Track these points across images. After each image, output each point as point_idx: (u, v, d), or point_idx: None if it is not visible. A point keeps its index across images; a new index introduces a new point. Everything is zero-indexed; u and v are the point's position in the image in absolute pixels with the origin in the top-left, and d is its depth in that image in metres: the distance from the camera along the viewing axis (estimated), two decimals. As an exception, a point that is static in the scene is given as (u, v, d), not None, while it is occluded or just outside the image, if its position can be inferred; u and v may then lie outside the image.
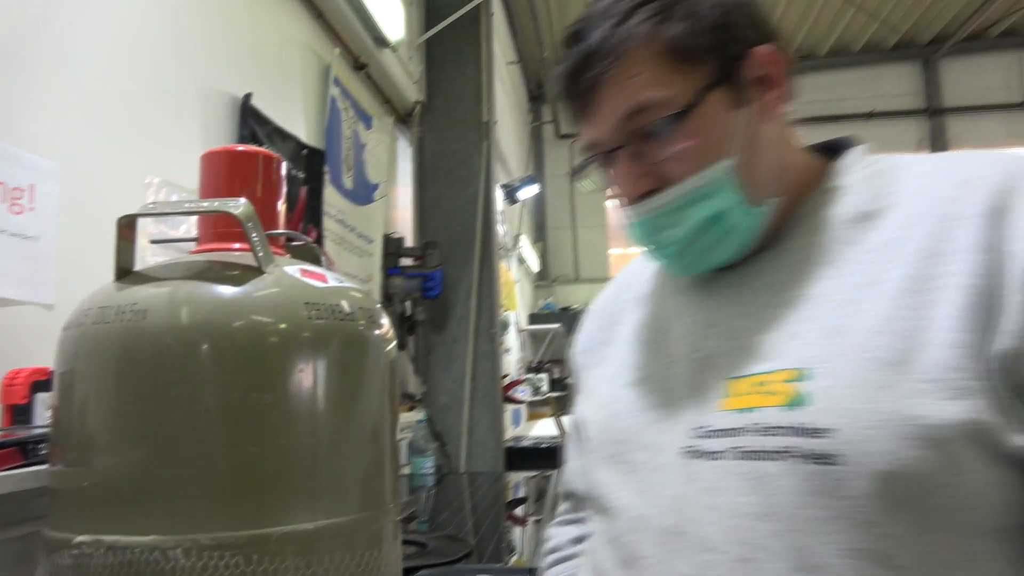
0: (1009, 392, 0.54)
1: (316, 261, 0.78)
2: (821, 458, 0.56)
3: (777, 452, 0.58)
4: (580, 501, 0.83)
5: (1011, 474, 0.55)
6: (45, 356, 1.03)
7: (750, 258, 0.70)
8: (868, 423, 0.55)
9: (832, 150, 0.74)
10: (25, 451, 0.73)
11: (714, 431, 0.62)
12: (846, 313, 0.59)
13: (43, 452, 0.75)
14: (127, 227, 0.68)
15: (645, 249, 0.72)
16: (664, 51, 0.65)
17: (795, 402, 0.58)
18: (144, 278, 0.66)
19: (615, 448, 0.72)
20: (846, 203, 0.66)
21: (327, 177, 2.27)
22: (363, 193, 2.63)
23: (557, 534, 0.88)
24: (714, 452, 0.62)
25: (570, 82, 0.69)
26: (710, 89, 0.65)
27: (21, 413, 0.95)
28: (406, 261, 2.96)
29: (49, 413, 0.95)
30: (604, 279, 7.57)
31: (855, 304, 0.59)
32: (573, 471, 0.84)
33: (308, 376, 0.64)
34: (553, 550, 0.86)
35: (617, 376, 0.76)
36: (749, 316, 0.66)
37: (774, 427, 0.59)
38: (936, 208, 0.60)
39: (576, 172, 0.76)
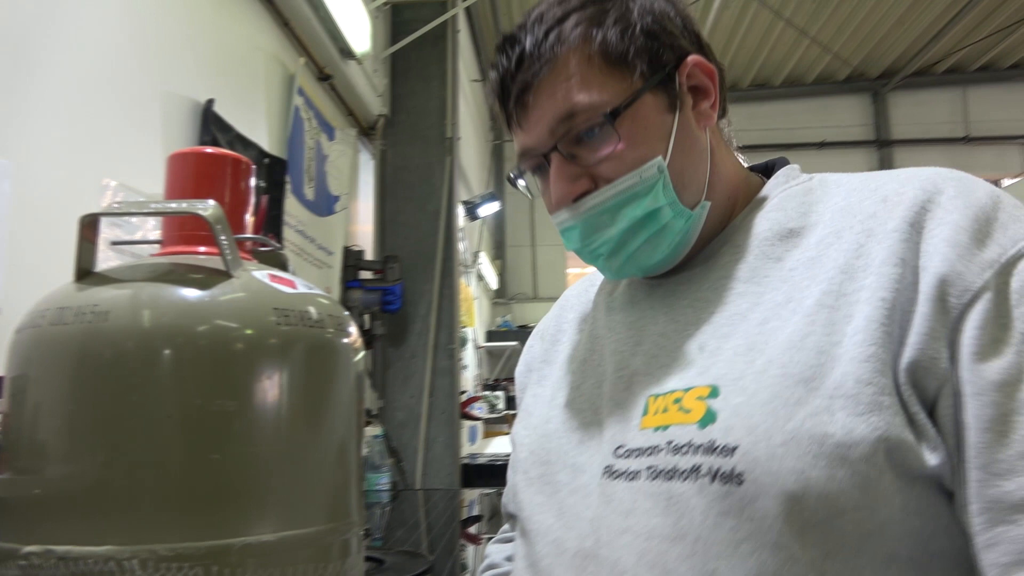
0: (919, 407, 0.53)
1: (283, 267, 0.77)
2: (728, 478, 0.54)
3: (687, 472, 0.57)
4: (515, 520, 0.83)
5: (928, 498, 0.53)
6: (-9, 361, 0.99)
7: (681, 273, 0.71)
8: (776, 441, 0.53)
9: (769, 170, 0.75)
10: (-31, 458, 0.70)
11: (631, 450, 0.62)
12: (764, 331, 0.59)
13: (-11, 459, 0.71)
14: (89, 227, 0.66)
15: (579, 252, 0.72)
16: (596, 55, 0.66)
17: (706, 419, 0.57)
18: (106, 279, 0.64)
19: (542, 469, 0.71)
20: (772, 220, 0.67)
21: (288, 187, 2.24)
22: (324, 204, 2.61)
23: (494, 551, 0.89)
24: (631, 472, 0.61)
25: (503, 87, 0.70)
26: (643, 92, 0.66)
27: (-37, 419, 0.90)
28: (366, 274, 2.93)
29: (-5, 420, 0.91)
30: (562, 298, 7.64)
31: (773, 322, 0.59)
32: (508, 491, 0.84)
33: (274, 384, 0.62)
34: (489, 567, 0.87)
35: (553, 396, 0.76)
36: (673, 334, 0.67)
37: (685, 445, 0.58)
38: (857, 225, 0.61)
39: (511, 179, 0.77)
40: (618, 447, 0.63)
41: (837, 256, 0.60)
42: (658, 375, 0.64)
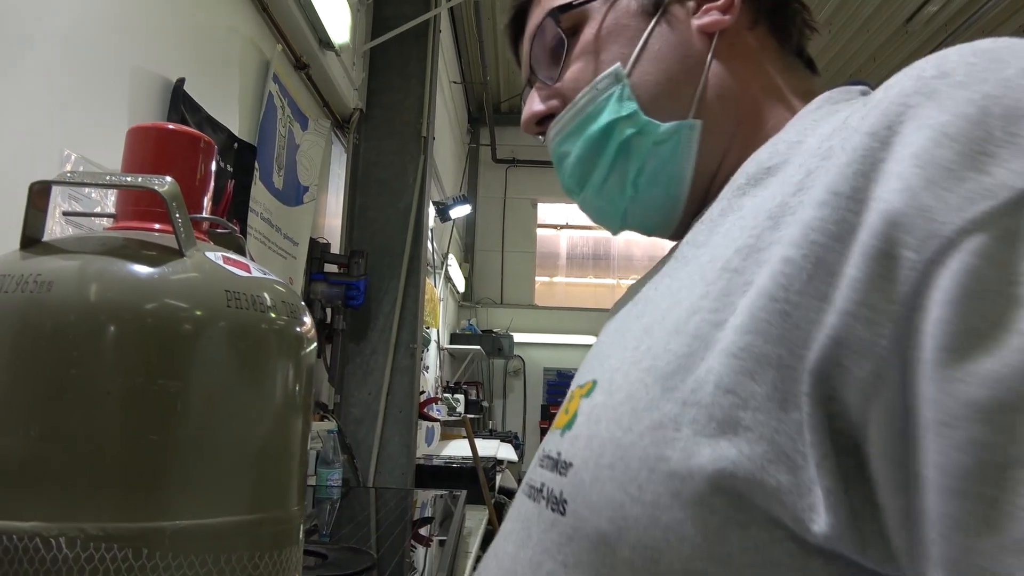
0: (824, 436, 0.33)
1: (240, 251, 0.76)
2: (556, 503, 0.44)
3: (537, 490, 0.48)
4: None
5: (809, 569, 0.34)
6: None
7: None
8: (605, 459, 0.40)
9: None
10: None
11: (539, 459, 0.52)
12: (671, 305, 0.45)
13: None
14: (39, 194, 0.65)
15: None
16: None
17: (568, 424, 0.47)
18: (53, 249, 0.62)
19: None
20: (758, 157, 0.50)
21: (257, 174, 2.21)
22: (292, 194, 2.58)
23: None
24: (528, 485, 0.52)
25: (507, 25, 0.66)
26: None
27: None
28: (331, 268, 2.90)
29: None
30: (528, 305, 7.67)
31: (683, 292, 0.44)
32: None
33: (220, 367, 0.61)
34: None
35: None
36: (624, 312, 0.56)
37: (547, 456, 0.48)
38: (822, 145, 0.41)
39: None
40: (540, 453, 0.53)
41: (774, 195, 0.42)
42: (584, 367, 0.55)
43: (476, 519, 2.78)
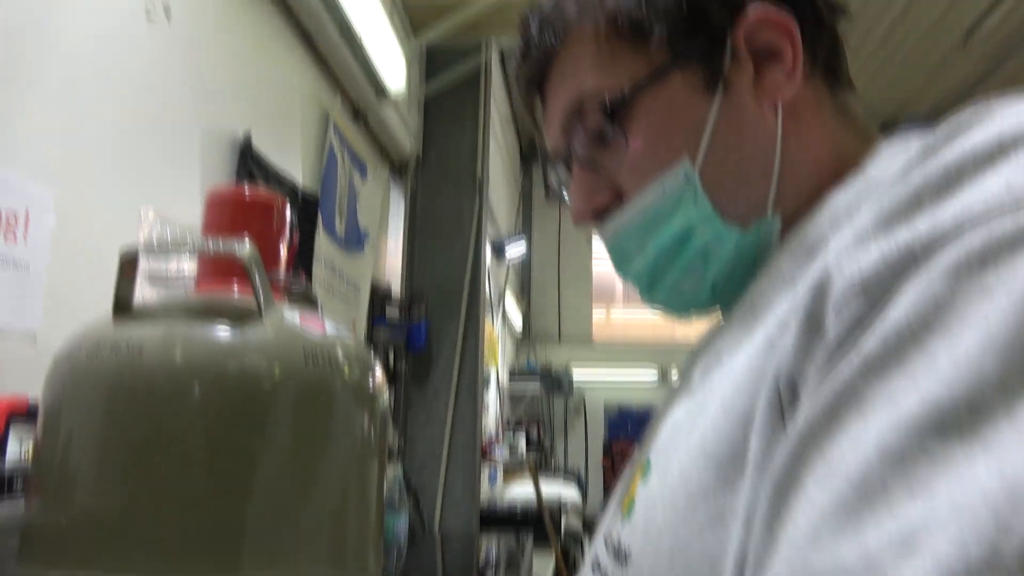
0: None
1: (313, 307, 0.78)
2: None
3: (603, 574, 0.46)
4: None
5: None
6: (24, 387, 1.01)
7: None
8: (666, 549, 0.39)
9: None
10: (0, 486, 0.71)
11: (604, 536, 0.50)
12: (719, 383, 0.43)
13: (18, 487, 0.72)
14: (129, 263, 0.68)
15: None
16: (605, 27, 0.52)
17: (629, 507, 0.45)
18: (141, 315, 0.65)
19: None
20: (811, 226, 0.46)
21: (320, 223, 2.28)
22: (354, 241, 2.64)
23: None
24: (595, 559, 0.49)
25: (517, 80, 0.59)
26: (666, 70, 0.50)
27: (-6, 445, 0.92)
28: (392, 312, 2.95)
29: (25, 446, 0.93)
30: (587, 340, 7.62)
31: (734, 370, 0.42)
32: None
33: (300, 425, 0.62)
34: None
35: None
36: (681, 388, 0.52)
37: (608, 540, 0.46)
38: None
39: (556, 191, 0.66)
40: (606, 530, 0.51)
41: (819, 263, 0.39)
42: (650, 434, 0.52)
43: (543, 564, 2.74)
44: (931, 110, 7.17)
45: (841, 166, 0.50)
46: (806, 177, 0.51)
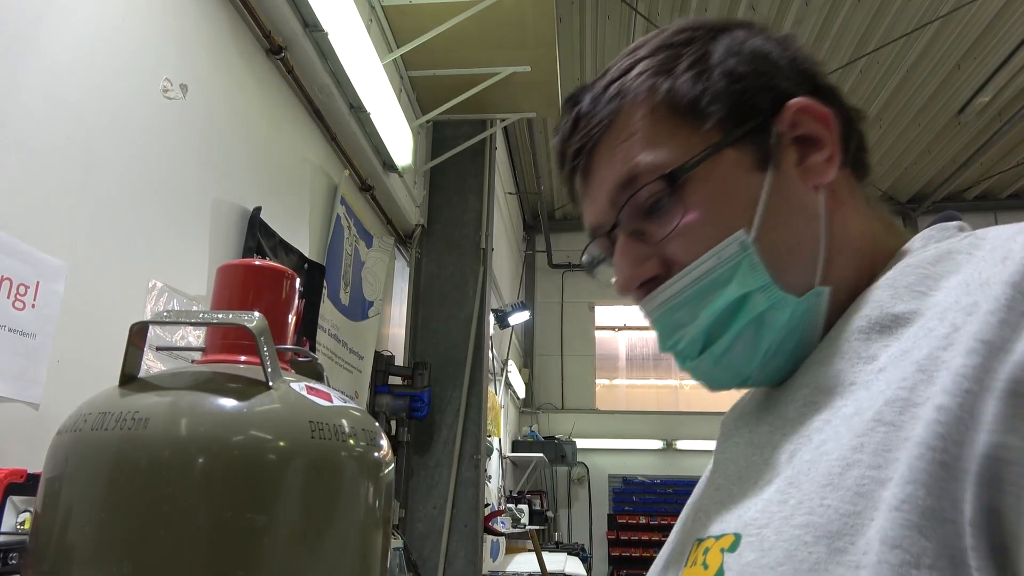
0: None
1: (319, 378, 0.78)
2: None
3: None
4: None
5: None
6: (24, 457, 1.00)
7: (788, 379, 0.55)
8: None
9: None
10: (-5, 560, 0.70)
11: None
12: (815, 457, 0.43)
13: (13, 561, 0.71)
14: (138, 334, 0.68)
15: (671, 355, 0.58)
16: (662, 107, 0.55)
17: None
18: (148, 386, 0.65)
19: None
20: (875, 303, 0.48)
21: (325, 292, 2.29)
22: (358, 309, 2.65)
23: None
24: None
25: (561, 154, 0.60)
26: (720, 147, 0.53)
27: (-9, 517, 0.91)
28: (395, 380, 2.93)
29: (21, 519, 0.91)
30: (590, 409, 7.55)
31: (830, 443, 0.43)
32: None
33: (305, 498, 0.62)
34: None
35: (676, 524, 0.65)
36: (743, 460, 0.53)
37: None
38: (964, 299, 0.42)
39: (586, 265, 0.63)
40: None
41: (923, 347, 0.41)
42: (710, 512, 0.52)
43: (546, 641, 2.65)
44: (926, 184, 7.29)
45: (876, 247, 0.54)
46: (849, 254, 0.53)
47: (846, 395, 0.45)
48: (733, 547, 0.44)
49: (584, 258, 0.63)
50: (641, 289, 0.56)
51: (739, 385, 0.57)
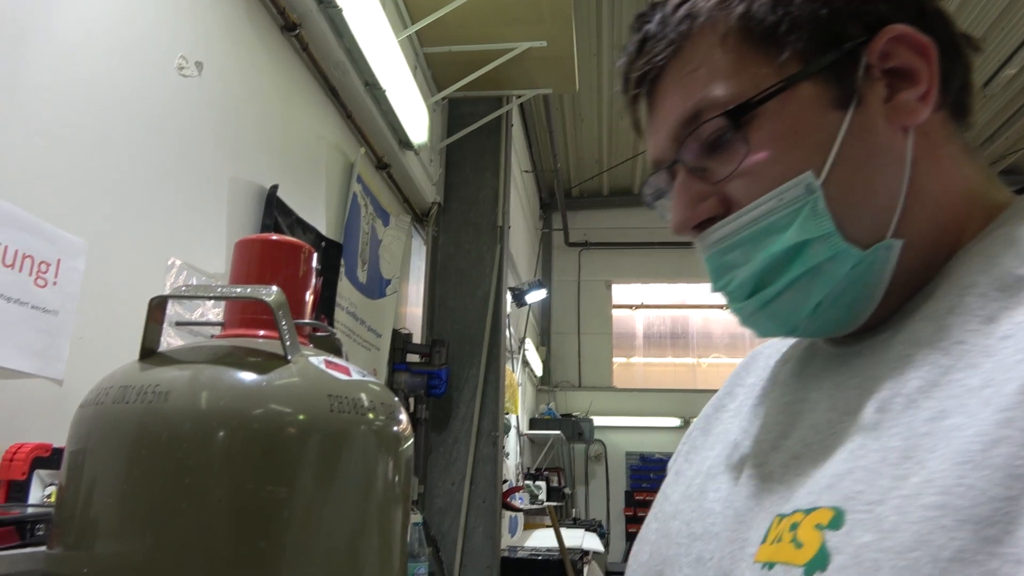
0: None
1: (338, 353, 0.78)
2: None
3: None
4: None
5: None
6: (48, 432, 1.01)
7: (868, 338, 0.50)
8: None
9: None
10: (22, 531, 0.71)
11: None
12: (936, 430, 0.39)
13: (40, 533, 0.72)
14: (158, 308, 0.69)
15: (720, 296, 0.55)
16: (734, 33, 0.50)
17: (815, 563, 0.39)
18: (168, 360, 0.66)
19: None
20: (993, 259, 0.44)
21: (342, 270, 2.30)
22: (376, 287, 2.65)
23: None
24: None
25: (624, 77, 0.56)
26: (795, 81, 0.48)
27: (18, 490, 0.92)
28: (413, 358, 2.95)
29: (47, 492, 0.93)
30: (607, 387, 7.55)
31: (954, 416, 0.38)
32: None
33: (325, 470, 0.62)
34: None
35: (690, 483, 0.59)
36: (826, 426, 0.47)
37: None
38: None
39: (647, 199, 0.59)
40: None
41: None
42: (792, 484, 0.46)
43: (565, 615, 2.67)
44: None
45: (972, 202, 0.49)
46: (935, 206, 0.49)
47: (956, 355, 0.41)
48: (835, 524, 0.39)
49: (645, 191, 0.59)
50: (696, 229, 0.52)
51: (786, 334, 0.53)
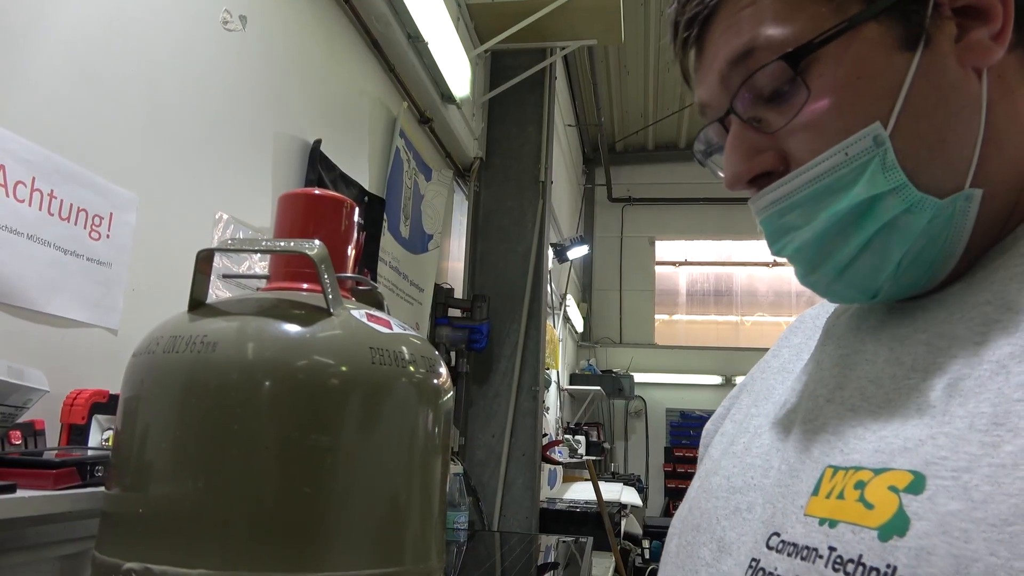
0: None
1: (380, 306, 0.79)
2: None
3: None
4: None
5: None
6: (105, 379, 1.06)
7: (934, 293, 0.48)
8: None
9: None
10: (83, 472, 0.75)
11: (786, 544, 0.42)
12: (1022, 396, 0.36)
13: (99, 474, 0.76)
14: (205, 261, 0.70)
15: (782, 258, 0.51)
16: None
17: (891, 526, 0.36)
18: (215, 311, 0.68)
19: (689, 537, 0.53)
20: None
21: (385, 224, 2.32)
22: (418, 242, 2.67)
23: None
24: None
25: (674, 23, 0.52)
26: (857, 21, 0.44)
27: (78, 433, 0.97)
28: (454, 312, 2.97)
29: (105, 436, 0.97)
30: (648, 344, 7.54)
31: None
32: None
33: (367, 420, 0.64)
34: None
35: (734, 439, 0.57)
36: (889, 381, 0.45)
37: (851, 562, 0.37)
38: None
39: (698, 154, 0.56)
40: (772, 534, 0.44)
41: None
42: (848, 437, 0.43)
43: (602, 566, 2.72)
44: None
45: None
46: (1012, 152, 0.45)
47: None
48: (916, 488, 0.37)
49: (697, 147, 0.55)
50: (752, 185, 0.49)
51: (867, 299, 0.49)
